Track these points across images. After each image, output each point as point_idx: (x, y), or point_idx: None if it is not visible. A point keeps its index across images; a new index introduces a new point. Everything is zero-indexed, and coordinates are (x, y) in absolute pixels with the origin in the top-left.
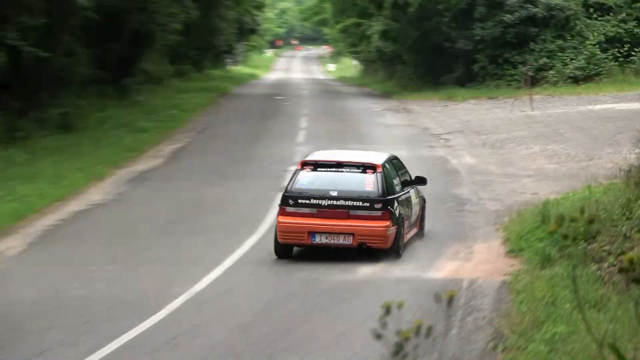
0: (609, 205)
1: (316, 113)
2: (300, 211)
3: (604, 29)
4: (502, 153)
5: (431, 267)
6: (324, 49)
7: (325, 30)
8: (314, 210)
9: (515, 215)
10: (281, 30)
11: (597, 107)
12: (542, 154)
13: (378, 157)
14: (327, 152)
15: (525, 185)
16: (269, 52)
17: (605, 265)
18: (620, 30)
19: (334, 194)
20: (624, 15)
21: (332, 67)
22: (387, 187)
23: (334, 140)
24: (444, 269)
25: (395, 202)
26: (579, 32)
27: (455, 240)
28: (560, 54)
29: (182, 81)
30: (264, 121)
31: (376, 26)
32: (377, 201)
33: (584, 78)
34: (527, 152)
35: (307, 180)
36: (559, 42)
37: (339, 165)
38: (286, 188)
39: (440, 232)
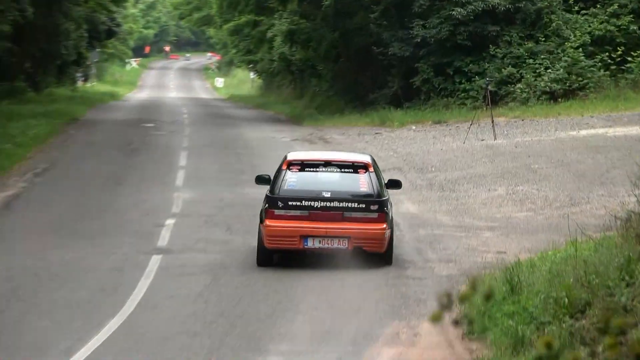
0: (602, 266)
1: (200, 146)
2: (290, 214)
3: (590, 27)
4: (456, 197)
5: (362, 356)
6: (210, 58)
7: (210, 32)
8: (306, 213)
9: (474, 282)
10: (150, 33)
11: (583, 132)
12: (509, 197)
13: (364, 156)
14: (306, 152)
15: (487, 241)
16: (134, 63)
17: (600, 348)
18: (611, 28)
19: (327, 195)
20: (615, 7)
21: (220, 82)
22: (381, 188)
23: (226, 181)
24: (379, 358)
25: (388, 203)
26: (556, 31)
27: (395, 317)
28: (530, 61)
29: (14, 104)
30: (129, 158)
31: (279, 26)
32: (373, 202)
33: (563, 93)
34: (489, 196)
35: (296, 180)
36: (529, 44)
37: (327, 165)
38: (273, 190)
39: (374, 306)
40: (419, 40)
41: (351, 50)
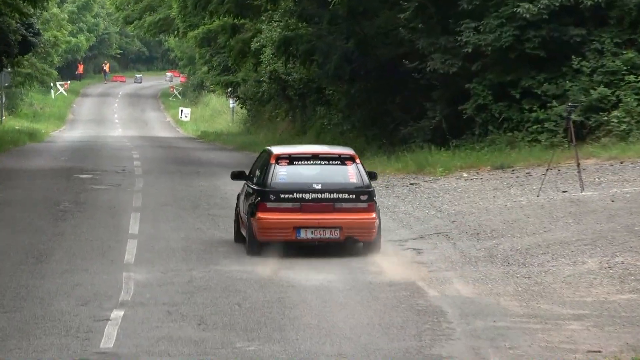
0: None
1: (159, 205)
2: (282, 206)
3: None
4: (527, 274)
5: None
6: (170, 79)
7: (170, 42)
8: (298, 205)
9: None
10: (83, 44)
11: None
12: (604, 273)
13: (349, 149)
14: (290, 147)
15: (574, 336)
16: (62, 88)
17: None
18: None
19: (318, 186)
20: None
21: (185, 113)
22: (369, 178)
23: (197, 255)
24: None
25: (375, 193)
26: None
27: None
28: (631, 77)
29: None
30: (58, 224)
31: (269, 32)
32: (363, 192)
33: None
34: (575, 271)
35: (287, 173)
36: (629, 54)
37: (315, 158)
38: (265, 183)
39: None
40: (469, 50)
41: (373, 65)
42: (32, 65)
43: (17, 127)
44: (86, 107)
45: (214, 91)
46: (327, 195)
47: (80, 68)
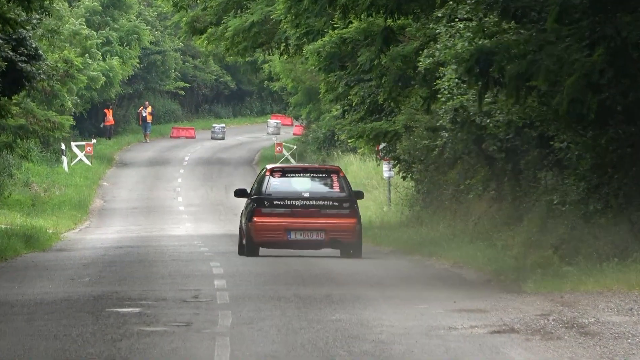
0: None
1: None
2: (275, 211)
3: None
4: None
5: None
6: (274, 130)
7: (274, 64)
8: (289, 210)
9: None
10: (117, 71)
11: None
12: None
13: (335, 165)
14: (282, 164)
15: None
16: (82, 153)
17: None
18: None
19: (307, 195)
20: None
21: None
22: (350, 189)
23: None
24: None
25: (357, 202)
26: None
27: None
28: None
29: None
30: None
31: (450, 40)
32: (345, 200)
33: None
34: None
35: (279, 184)
36: None
37: (305, 171)
38: (259, 191)
39: None
40: None
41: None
42: (28, 113)
43: (2, 226)
44: (126, 185)
45: (353, 149)
46: (314, 202)
47: (109, 115)
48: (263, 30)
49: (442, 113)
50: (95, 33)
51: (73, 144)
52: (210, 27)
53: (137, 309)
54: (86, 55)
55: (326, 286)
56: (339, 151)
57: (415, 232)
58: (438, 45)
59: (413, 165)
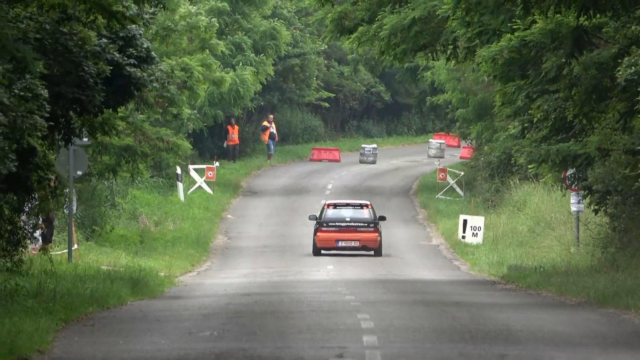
0: None
1: None
2: (329, 229)
3: None
4: None
5: None
6: (437, 151)
7: (438, 72)
8: (337, 228)
9: None
10: (249, 79)
11: None
12: None
13: (366, 201)
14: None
15: None
16: (201, 179)
17: None
18: None
19: (348, 219)
20: None
21: (474, 227)
22: (375, 216)
23: None
24: None
25: (379, 224)
26: None
27: None
28: None
29: None
30: None
31: None
32: (371, 222)
33: None
34: None
35: (332, 213)
36: None
37: (347, 205)
38: (321, 217)
39: None
40: None
41: None
42: (136, 129)
43: (104, 268)
44: (255, 218)
45: (536, 176)
46: (352, 224)
47: (234, 133)
48: (426, 29)
49: None
50: (217, 37)
51: (191, 167)
52: (362, 25)
53: None
54: (206, 51)
55: (500, 345)
56: (517, 179)
57: (609, 279)
58: None
59: (608, 197)
